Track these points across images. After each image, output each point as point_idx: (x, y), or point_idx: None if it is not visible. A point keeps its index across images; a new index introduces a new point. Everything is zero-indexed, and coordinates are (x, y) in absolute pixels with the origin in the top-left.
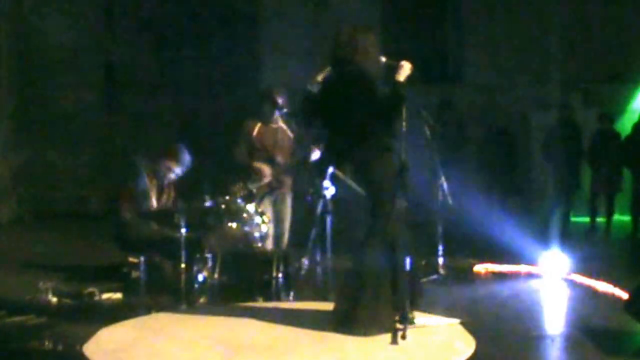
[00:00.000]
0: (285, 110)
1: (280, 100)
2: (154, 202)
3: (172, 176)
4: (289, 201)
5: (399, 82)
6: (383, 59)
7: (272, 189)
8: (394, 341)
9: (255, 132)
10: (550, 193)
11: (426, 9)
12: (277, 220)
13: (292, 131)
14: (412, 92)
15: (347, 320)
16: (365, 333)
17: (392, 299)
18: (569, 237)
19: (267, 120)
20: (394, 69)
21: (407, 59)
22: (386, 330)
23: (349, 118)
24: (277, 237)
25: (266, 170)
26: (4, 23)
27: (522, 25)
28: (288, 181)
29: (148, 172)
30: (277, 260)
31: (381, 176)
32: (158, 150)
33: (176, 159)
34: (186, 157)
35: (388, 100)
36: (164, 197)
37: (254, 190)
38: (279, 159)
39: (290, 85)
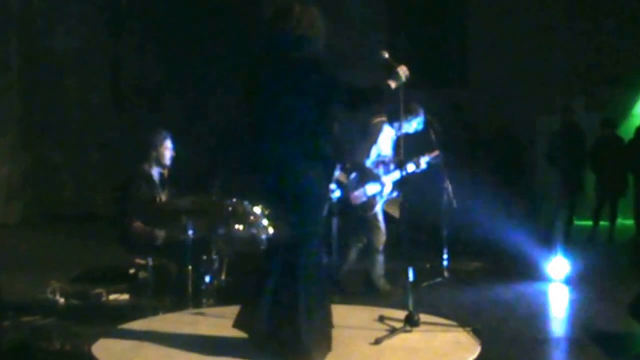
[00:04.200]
0: None
1: None
2: (161, 196)
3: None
4: None
5: (388, 87)
6: (386, 55)
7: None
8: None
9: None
10: (554, 197)
11: (431, 14)
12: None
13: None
14: (418, 96)
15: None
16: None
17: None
18: (573, 241)
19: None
20: (390, 71)
21: (412, 63)
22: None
23: (284, 107)
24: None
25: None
26: (12, 28)
27: (525, 30)
28: None
29: (149, 168)
30: None
31: (310, 186)
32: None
33: (164, 138)
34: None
35: (360, 91)
36: (165, 188)
37: None
38: None
39: None
